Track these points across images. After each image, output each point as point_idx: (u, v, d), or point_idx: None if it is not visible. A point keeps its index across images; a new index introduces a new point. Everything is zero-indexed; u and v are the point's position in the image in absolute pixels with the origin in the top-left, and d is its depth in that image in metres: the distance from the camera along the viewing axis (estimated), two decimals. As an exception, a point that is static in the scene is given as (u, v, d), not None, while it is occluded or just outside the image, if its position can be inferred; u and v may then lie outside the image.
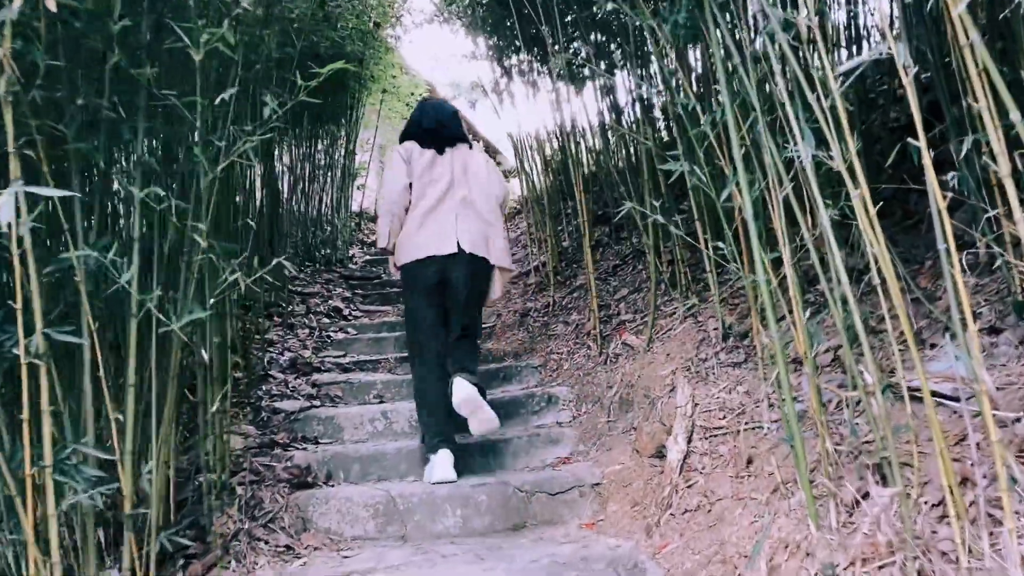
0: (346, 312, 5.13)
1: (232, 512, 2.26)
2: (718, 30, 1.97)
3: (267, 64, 3.20)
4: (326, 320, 4.83)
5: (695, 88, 3.41)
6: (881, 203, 1.61)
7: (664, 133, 4.48)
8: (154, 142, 1.76)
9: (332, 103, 7.06)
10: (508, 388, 3.45)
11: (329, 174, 7.26)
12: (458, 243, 2.65)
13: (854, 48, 3.13)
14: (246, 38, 2.11)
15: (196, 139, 1.59)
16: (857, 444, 1.75)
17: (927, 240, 2.43)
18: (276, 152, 6.28)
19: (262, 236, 5.29)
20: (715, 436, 2.38)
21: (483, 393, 2.59)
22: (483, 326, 4.41)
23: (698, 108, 2.02)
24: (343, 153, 7.36)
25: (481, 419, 2.54)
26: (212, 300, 1.65)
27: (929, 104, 2.42)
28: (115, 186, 1.68)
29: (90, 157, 1.47)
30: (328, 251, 6.83)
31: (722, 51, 1.95)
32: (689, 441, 2.39)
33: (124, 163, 1.71)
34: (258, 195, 5.79)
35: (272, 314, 4.73)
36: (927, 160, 1.28)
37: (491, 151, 12.76)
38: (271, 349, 3.99)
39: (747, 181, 1.81)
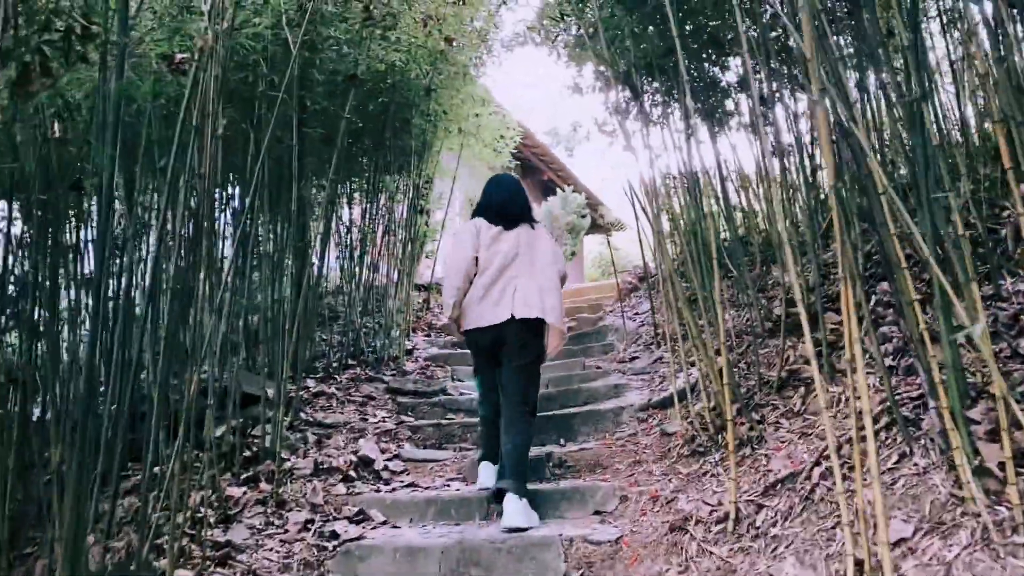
0: (380, 465, 3.29)
1: None
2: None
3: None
4: (340, 489, 3.00)
5: None
6: None
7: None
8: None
9: (393, 147, 5.39)
10: None
11: (388, 238, 5.56)
12: (512, 313, 2.83)
13: None
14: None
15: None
16: None
17: None
18: (324, 213, 4.65)
19: (281, 334, 3.58)
20: None
21: (524, 492, 2.65)
22: (602, 541, 2.46)
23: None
24: (407, 210, 5.65)
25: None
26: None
27: None
28: None
29: None
30: (381, 343, 5.08)
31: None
32: None
33: None
34: (289, 271, 4.14)
35: (258, 476, 2.96)
36: None
37: (592, 204, 10.93)
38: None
39: None
